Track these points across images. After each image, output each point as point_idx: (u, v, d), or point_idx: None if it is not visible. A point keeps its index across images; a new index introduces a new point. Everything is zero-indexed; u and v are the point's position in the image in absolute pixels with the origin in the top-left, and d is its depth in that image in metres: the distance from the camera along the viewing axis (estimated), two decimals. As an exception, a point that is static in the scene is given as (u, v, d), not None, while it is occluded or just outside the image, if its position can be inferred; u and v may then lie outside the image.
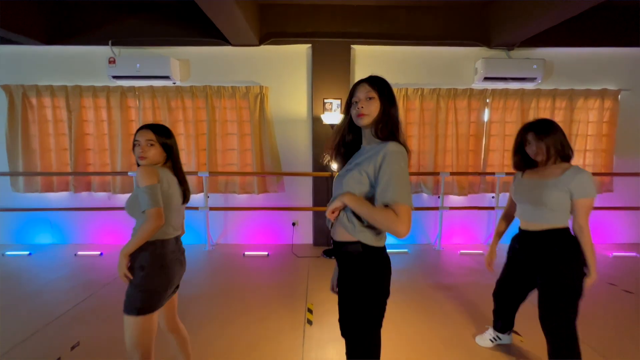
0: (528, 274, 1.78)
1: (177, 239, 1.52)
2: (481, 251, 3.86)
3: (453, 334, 2.24)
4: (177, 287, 1.56)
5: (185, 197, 1.55)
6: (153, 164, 1.44)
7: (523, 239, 1.75)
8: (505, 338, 2.08)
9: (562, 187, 1.55)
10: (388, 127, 1.16)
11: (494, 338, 2.08)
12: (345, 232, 1.17)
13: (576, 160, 4.04)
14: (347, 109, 1.24)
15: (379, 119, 1.17)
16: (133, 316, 1.34)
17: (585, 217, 1.54)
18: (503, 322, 2.03)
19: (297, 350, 2.05)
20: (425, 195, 4.11)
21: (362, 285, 1.16)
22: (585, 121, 3.99)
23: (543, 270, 1.65)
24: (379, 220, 1.07)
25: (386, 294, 1.20)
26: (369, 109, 1.16)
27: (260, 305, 2.63)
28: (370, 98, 1.16)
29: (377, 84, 1.18)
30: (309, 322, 2.38)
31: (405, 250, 3.92)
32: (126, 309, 1.36)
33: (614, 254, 3.79)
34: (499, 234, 1.96)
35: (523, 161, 1.71)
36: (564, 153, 1.59)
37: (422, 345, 2.12)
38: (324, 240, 4.02)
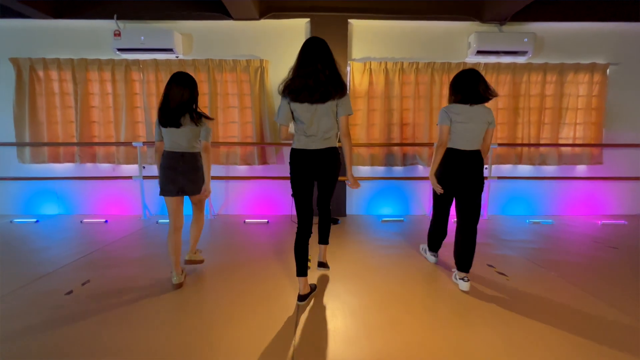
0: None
1: (169, 153, 2.13)
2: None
3: (440, 284, 2.36)
4: (183, 191, 2.15)
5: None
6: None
7: (462, 156, 2.20)
8: (432, 258, 2.65)
9: (484, 123, 2.18)
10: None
11: (433, 254, 2.66)
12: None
13: (566, 133, 4.17)
14: None
15: None
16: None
17: (491, 138, 2.23)
18: (437, 245, 2.58)
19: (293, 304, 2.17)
20: (420, 166, 4.23)
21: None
22: (575, 95, 4.12)
23: (474, 177, 2.18)
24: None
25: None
26: None
27: (259, 261, 2.76)
28: None
29: None
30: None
31: (402, 219, 4.04)
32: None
33: (603, 222, 3.91)
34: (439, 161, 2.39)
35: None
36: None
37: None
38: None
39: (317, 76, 1.76)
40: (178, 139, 2.09)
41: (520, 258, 2.75)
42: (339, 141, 1.99)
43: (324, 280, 2.30)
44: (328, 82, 1.78)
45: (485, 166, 4.10)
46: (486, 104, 2.13)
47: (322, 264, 2.39)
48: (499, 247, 3.02)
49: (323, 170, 1.92)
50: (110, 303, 1.94)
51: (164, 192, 2.12)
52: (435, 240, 2.55)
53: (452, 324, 1.75)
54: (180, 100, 2.04)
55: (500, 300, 2.02)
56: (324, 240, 2.34)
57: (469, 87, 2.07)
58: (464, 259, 2.16)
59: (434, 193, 2.36)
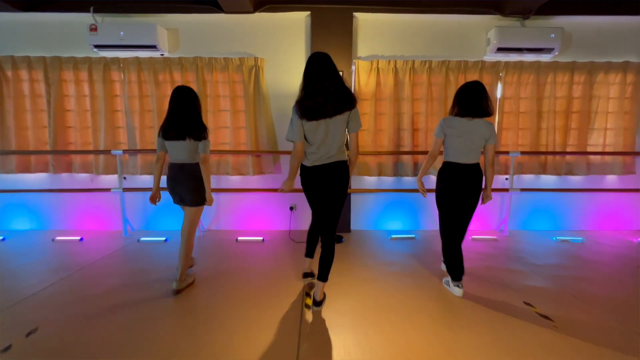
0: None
1: (171, 164, 2.27)
2: (495, 237, 3.57)
3: (467, 318, 1.93)
4: (182, 200, 2.28)
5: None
6: None
7: (460, 170, 2.23)
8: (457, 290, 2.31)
9: (483, 138, 2.22)
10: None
11: (457, 285, 2.30)
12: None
13: (595, 139, 3.76)
14: None
15: None
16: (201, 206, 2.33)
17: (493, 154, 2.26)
18: (458, 269, 2.28)
19: (294, 340, 1.75)
20: (432, 177, 3.81)
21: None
22: (606, 97, 3.70)
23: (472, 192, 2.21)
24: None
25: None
26: None
27: (254, 292, 2.33)
28: None
29: None
30: (307, 306, 2.08)
31: (412, 236, 3.62)
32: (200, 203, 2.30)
33: (639, 239, 3.49)
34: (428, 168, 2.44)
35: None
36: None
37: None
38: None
39: (324, 92, 1.81)
40: (179, 151, 2.21)
41: (560, 291, 2.32)
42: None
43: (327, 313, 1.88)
44: (338, 95, 1.83)
45: (506, 176, 3.70)
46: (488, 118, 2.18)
47: (316, 303, 2.01)
48: (530, 276, 2.59)
49: (333, 184, 1.94)
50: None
51: (173, 201, 2.33)
52: (452, 262, 2.27)
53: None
54: (184, 116, 2.18)
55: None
56: (323, 276, 2.00)
57: (472, 102, 2.12)
58: (455, 270, 2.25)
59: (439, 211, 2.34)
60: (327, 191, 1.94)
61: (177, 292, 2.23)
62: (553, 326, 1.87)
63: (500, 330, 1.83)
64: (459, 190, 2.19)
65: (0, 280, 2.45)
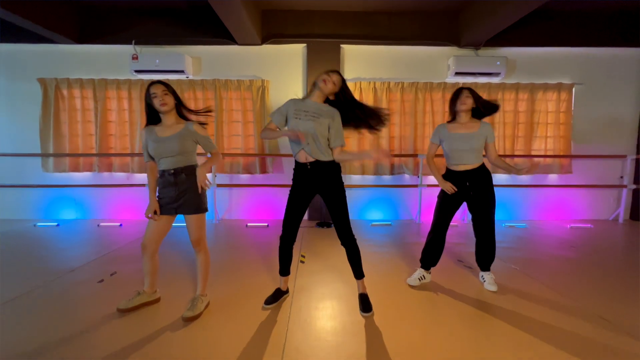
0: (457, 205, 2.33)
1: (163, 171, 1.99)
2: (456, 224, 4.39)
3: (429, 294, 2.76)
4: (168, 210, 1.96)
5: None
6: (171, 109, 1.90)
7: (460, 176, 2.28)
8: (428, 277, 2.44)
9: (482, 138, 2.22)
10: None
11: (421, 277, 2.41)
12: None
13: (538, 145, 4.63)
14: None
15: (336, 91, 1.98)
16: (204, 213, 2.01)
17: (496, 151, 2.28)
18: (434, 260, 2.40)
19: (291, 282, 2.57)
20: (406, 175, 4.66)
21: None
22: (545, 111, 4.59)
23: (479, 193, 2.23)
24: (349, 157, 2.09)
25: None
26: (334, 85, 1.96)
27: (260, 258, 3.16)
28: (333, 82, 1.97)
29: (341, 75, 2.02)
30: (302, 261, 2.91)
31: (389, 223, 4.45)
32: (200, 209, 1.97)
33: (571, 225, 4.32)
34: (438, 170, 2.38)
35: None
36: (477, 113, 2.25)
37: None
38: (318, 215, 4.54)
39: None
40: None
41: (507, 265, 3.02)
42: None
43: (317, 280, 2.69)
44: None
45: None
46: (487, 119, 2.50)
47: (366, 308, 2.00)
48: (470, 246, 3.41)
49: (325, 184, 1.95)
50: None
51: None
52: (431, 252, 2.38)
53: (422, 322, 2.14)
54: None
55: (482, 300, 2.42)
56: (359, 274, 2.05)
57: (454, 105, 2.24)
58: (431, 260, 2.39)
59: (438, 202, 2.35)
60: (315, 191, 2.01)
61: (192, 319, 1.89)
62: (470, 270, 2.69)
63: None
64: (465, 198, 2.27)
65: (71, 248, 3.27)
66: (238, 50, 4.45)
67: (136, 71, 4.30)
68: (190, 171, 1.94)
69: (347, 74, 4.53)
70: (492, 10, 3.69)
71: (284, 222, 2.01)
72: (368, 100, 4.48)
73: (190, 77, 4.46)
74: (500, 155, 4.29)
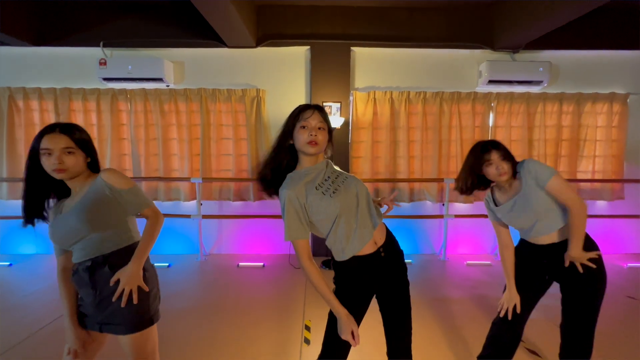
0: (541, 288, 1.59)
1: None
2: (489, 262, 3.67)
3: (458, 353, 2.03)
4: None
5: None
6: (75, 175, 1.15)
7: (537, 252, 1.56)
8: None
9: (534, 190, 1.45)
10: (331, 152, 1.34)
11: None
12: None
13: (584, 166, 3.90)
14: (288, 132, 1.22)
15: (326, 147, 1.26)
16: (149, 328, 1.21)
17: (567, 191, 1.41)
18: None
19: (293, 374, 1.84)
20: (429, 202, 3.93)
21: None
22: (594, 126, 3.86)
23: (568, 281, 1.49)
24: None
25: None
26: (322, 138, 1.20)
27: (254, 322, 2.42)
28: (320, 128, 1.19)
29: (326, 114, 1.24)
30: (307, 341, 2.17)
31: (409, 260, 3.72)
32: (140, 324, 1.18)
33: (629, 264, 3.60)
34: (512, 269, 1.59)
35: (479, 182, 1.54)
36: (516, 170, 1.50)
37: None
38: (323, 251, 3.81)
39: None
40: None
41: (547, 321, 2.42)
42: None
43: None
44: None
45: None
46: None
47: None
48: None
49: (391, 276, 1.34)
50: None
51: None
52: (501, 342, 1.61)
53: None
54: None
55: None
56: None
57: (477, 168, 1.50)
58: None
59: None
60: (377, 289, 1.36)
61: None
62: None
63: None
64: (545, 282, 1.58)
65: (14, 310, 2.54)
66: (228, 53, 3.71)
67: (105, 79, 3.57)
68: (119, 258, 1.18)
69: (359, 82, 3.79)
70: (541, 5, 2.97)
71: None
72: (384, 113, 3.75)
73: (171, 86, 3.73)
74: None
